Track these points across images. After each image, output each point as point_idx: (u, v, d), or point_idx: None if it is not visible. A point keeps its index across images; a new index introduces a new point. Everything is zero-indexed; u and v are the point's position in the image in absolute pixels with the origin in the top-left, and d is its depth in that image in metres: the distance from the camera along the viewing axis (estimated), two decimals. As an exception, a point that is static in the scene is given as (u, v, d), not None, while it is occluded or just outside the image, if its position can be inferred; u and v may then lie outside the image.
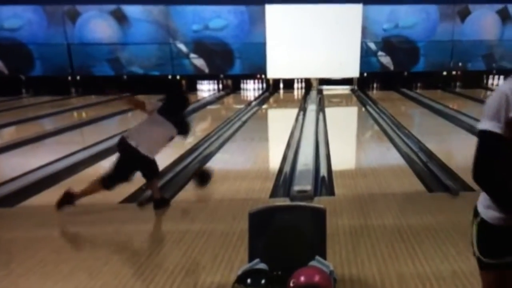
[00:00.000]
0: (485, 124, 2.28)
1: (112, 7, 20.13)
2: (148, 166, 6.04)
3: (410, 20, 20.73)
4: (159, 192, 6.30)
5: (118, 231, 5.47)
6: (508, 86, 2.27)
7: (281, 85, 21.59)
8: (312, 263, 3.76)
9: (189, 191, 6.90)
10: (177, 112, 6.29)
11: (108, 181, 6.01)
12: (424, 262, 4.53)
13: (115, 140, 10.11)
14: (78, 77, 20.86)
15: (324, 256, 3.91)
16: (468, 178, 7.00)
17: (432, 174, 7.49)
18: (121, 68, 20.75)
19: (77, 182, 7.42)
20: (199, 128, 13.24)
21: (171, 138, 6.23)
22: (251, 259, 3.93)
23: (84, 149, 9.67)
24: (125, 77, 20.65)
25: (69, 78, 20.83)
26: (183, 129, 6.33)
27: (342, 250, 4.79)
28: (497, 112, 2.24)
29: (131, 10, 20.19)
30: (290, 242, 3.98)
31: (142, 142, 5.91)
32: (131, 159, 5.96)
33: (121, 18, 20.21)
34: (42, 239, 5.30)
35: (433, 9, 20.61)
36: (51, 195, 6.79)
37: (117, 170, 6.01)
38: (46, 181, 7.47)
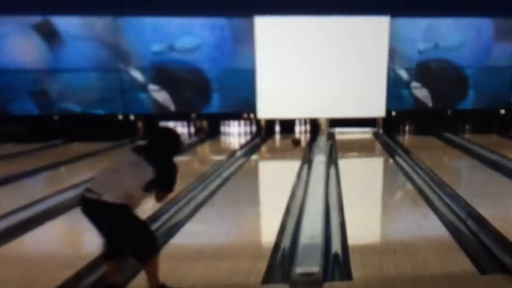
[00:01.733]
0: None
1: (37, 19, 20.19)
2: (123, 222, 5.92)
3: (454, 38, 20.97)
4: (157, 279, 6.24)
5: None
6: None
7: (277, 128, 21.72)
8: None
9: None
10: (164, 155, 6.16)
11: (106, 251, 6.16)
12: None
13: (42, 205, 10.29)
14: (-12, 118, 20.85)
15: None
16: (534, 254, 7.12)
17: (485, 248, 7.59)
18: (50, 104, 20.80)
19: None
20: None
21: (147, 187, 5.97)
22: None
23: (0, 219, 9.60)
24: (56, 117, 20.64)
25: (-24, 119, 20.77)
26: (167, 179, 6.12)
27: None
28: None
29: (64, 23, 20.27)
30: None
31: (106, 189, 5.79)
32: (99, 217, 5.93)
33: (50, 35, 20.25)
34: None
35: (486, 24, 20.90)
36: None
37: (102, 234, 6.08)
38: None
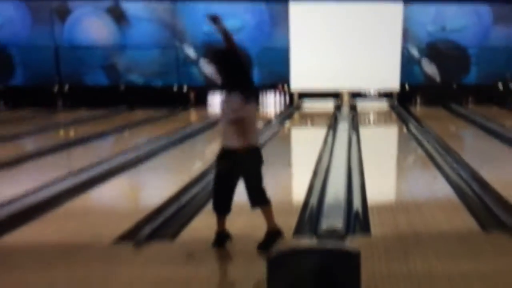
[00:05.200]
0: None
1: (108, 3, 20.28)
2: (255, 165, 5.86)
3: (459, 22, 20.70)
4: (274, 222, 6.03)
5: (109, 277, 5.36)
6: None
7: (308, 99, 21.45)
8: (344, 318, 3.65)
9: (196, 229, 6.81)
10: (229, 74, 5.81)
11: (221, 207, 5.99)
12: (480, 319, 4.43)
13: (109, 164, 10.24)
14: (66, 87, 20.86)
15: (358, 310, 3.80)
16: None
17: (488, 209, 7.35)
18: (118, 76, 20.84)
19: (61, 216, 7.36)
20: (209, 150, 13.18)
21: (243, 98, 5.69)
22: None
23: (71, 175, 9.52)
24: (122, 87, 20.72)
25: (56, 88, 20.82)
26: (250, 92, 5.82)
27: (380, 303, 4.69)
28: None
29: (131, 7, 20.34)
30: (317, 292, 3.86)
31: (232, 138, 5.67)
32: (237, 164, 5.76)
33: (119, 17, 20.32)
34: (16, 286, 5.22)
35: (485, 9, 20.60)
36: (30, 232, 6.72)
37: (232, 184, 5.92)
38: (24, 214, 7.30)
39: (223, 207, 5.94)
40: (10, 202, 7.83)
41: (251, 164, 5.83)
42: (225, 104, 5.73)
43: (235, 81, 5.73)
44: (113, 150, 12.14)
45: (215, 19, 5.84)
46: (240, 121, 5.62)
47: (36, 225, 6.96)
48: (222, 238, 5.96)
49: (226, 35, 5.96)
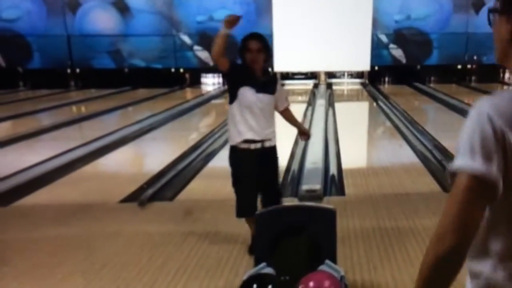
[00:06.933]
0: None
1: (114, -4, 20.13)
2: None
3: (422, 11, 20.63)
4: None
5: (117, 233, 5.38)
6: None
7: (288, 79, 21.41)
8: (322, 267, 3.65)
9: (192, 190, 6.82)
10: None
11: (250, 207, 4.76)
12: (441, 267, 4.41)
13: (115, 136, 10.25)
14: (77, 70, 20.82)
15: (334, 260, 3.81)
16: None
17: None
18: (122, 60, 20.72)
19: (74, 180, 7.39)
20: (203, 123, 13.21)
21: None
22: (257, 263, 3.83)
23: (83, 145, 9.56)
24: (126, 70, 20.67)
25: (68, 70, 20.77)
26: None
27: (353, 254, 4.69)
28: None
29: (133, 0, 20.19)
30: (298, 245, 3.87)
31: (269, 135, 5.07)
32: (267, 162, 5.08)
33: (123, 9, 20.20)
34: (37, 240, 5.22)
35: (446, 0, 20.50)
36: (47, 194, 6.77)
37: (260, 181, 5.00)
38: (42, 179, 7.37)
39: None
40: (31, 168, 7.92)
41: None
42: (267, 95, 4.82)
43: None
44: (119, 124, 12.13)
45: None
46: None
47: (53, 188, 7.03)
48: None
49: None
